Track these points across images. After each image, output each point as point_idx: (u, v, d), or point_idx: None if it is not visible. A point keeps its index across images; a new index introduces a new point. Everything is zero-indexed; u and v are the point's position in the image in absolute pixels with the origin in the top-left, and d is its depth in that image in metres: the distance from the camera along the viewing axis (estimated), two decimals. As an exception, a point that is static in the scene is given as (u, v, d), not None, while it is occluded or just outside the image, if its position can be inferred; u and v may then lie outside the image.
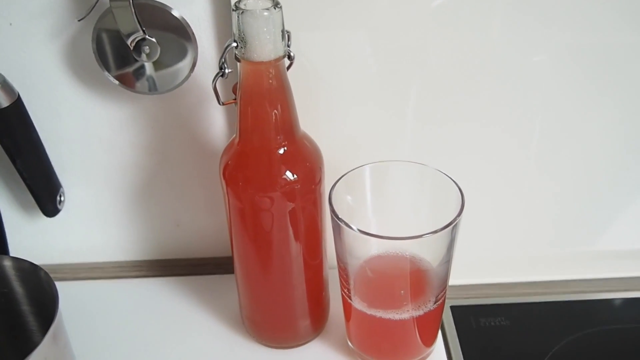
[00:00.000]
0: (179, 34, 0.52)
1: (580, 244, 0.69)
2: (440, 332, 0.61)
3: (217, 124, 0.60)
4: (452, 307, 0.65)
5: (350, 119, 0.59)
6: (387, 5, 0.53)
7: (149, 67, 0.53)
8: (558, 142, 0.61)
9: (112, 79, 0.53)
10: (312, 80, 0.56)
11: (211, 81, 0.47)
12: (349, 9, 0.53)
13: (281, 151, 0.48)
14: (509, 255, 0.69)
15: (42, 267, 0.50)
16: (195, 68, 0.54)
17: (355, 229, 0.47)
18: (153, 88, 0.54)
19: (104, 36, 0.52)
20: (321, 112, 0.58)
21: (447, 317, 0.64)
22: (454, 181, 0.50)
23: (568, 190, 0.64)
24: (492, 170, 0.62)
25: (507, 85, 0.57)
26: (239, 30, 0.43)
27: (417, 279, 0.53)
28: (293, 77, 0.48)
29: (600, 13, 0.53)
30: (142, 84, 0.54)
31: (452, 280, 0.66)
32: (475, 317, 0.64)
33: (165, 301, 0.64)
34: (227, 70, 0.46)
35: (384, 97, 0.58)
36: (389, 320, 0.51)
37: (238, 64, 0.45)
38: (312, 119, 0.57)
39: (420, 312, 0.51)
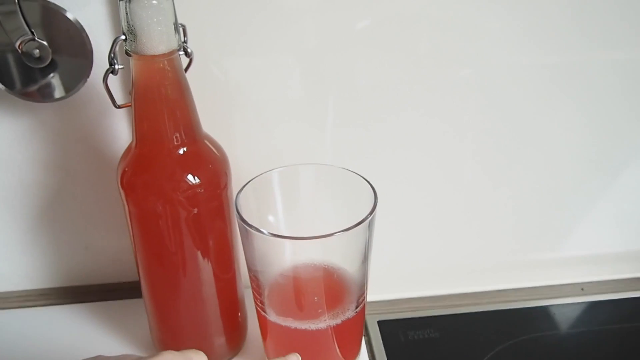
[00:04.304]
0: (73, 38, 0.49)
1: (508, 254, 0.68)
2: (366, 348, 0.59)
3: (122, 135, 0.57)
4: (379, 322, 0.63)
5: (270, 134, 0.57)
6: (312, 30, 0.52)
7: (40, 73, 0.50)
8: (491, 155, 0.61)
9: (-3, 84, 0.50)
10: (225, 91, 0.55)
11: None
12: (272, 32, 0.52)
13: (180, 152, 0.45)
14: (437, 268, 0.67)
15: None
16: (95, 75, 0.51)
17: (265, 232, 0.44)
18: (47, 95, 0.51)
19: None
20: (236, 125, 0.57)
21: (374, 332, 0.62)
22: (365, 179, 0.48)
23: (494, 203, 0.64)
24: (413, 190, 0.62)
25: (439, 97, 0.56)
26: (128, 21, 0.41)
27: (332, 286, 0.50)
28: (204, 89, 0.48)
29: (510, 33, 0.54)
30: (33, 91, 0.51)
31: (379, 296, 0.65)
32: (404, 331, 0.62)
33: (74, 329, 0.60)
34: (117, 67, 0.44)
35: (305, 114, 0.56)
36: (306, 331, 0.48)
37: (130, 60, 0.43)
38: (225, 131, 0.55)
39: (338, 321, 0.48)
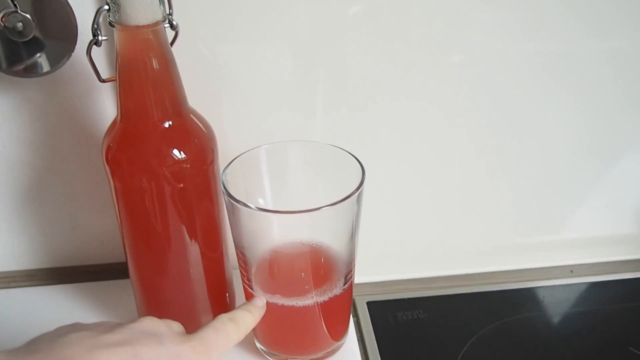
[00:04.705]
0: (57, 11, 0.49)
1: (499, 238, 0.68)
2: (355, 328, 0.59)
3: (109, 113, 0.56)
4: (368, 303, 0.63)
5: (260, 117, 0.57)
6: (304, 15, 0.52)
7: (24, 47, 0.49)
8: (482, 141, 0.61)
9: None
10: (216, 72, 0.54)
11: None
12: (264, 17, 0.52)
13: (166, 126, 0.45)
14: (426, 251, 0.67)
15: None
16: (80, 50, 0.50)
17: (252, 206, 0.44)
18: (31, 70, 0.50)
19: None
20: (226, 106, 0.56)
21: (363, 313, 0.62)
22: (353, 155, 0.47)
23: (484, 187, 0.64)
24: (404, 175, 0.62)
25: (434, 84, 0.56)
26: (111, -9, 0.40)
27: (319, 262, 0.50)
28: (195, 70, 0.49)
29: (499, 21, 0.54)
30: (17, 65, 0.50)
31: (368, 277, 0.65)
32: (393, 312, 0.62)
33: (61, 310, 0.59)
34: (100, 38, 0.43)
35: (296, 100, 0.56)
36: (293, 307, 0.48)
37: (114, 31, 0.42)
38: (215, 112, 0.54)
39: (326, 298, 0.48)
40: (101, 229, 0.63)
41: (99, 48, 0.48)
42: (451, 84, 0.56)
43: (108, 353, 0.34)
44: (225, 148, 0.50)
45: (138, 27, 0.41)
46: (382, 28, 0.53)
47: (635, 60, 0.57)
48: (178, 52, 0.45)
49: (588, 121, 0.60)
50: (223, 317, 0.41)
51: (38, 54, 0.50)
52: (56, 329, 0.37)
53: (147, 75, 0.43)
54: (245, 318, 0.43)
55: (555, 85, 0.58)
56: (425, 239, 0.66)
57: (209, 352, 0.38)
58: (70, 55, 0.50)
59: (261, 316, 0.45)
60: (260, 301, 0.46)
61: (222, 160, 0.49)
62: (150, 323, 0.38)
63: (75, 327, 0.37)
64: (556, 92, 0.58)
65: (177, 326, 0.40)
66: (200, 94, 0.50)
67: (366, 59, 0.54)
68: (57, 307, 0.60)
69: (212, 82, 0.55)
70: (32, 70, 0.50)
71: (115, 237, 0.63)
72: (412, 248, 0.67)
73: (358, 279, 0.63)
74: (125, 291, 0.57)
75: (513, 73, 0.56)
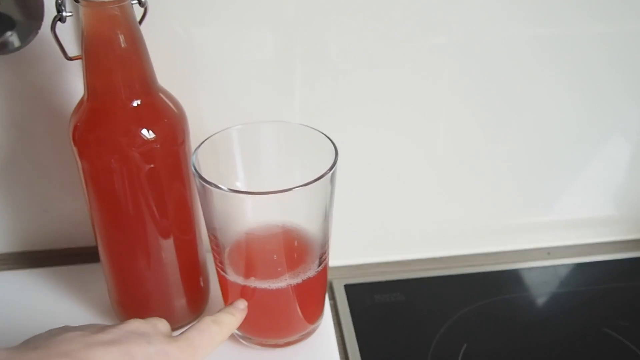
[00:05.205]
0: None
1: (476, 220, 0.68)
2: (332, 311, 0.58)
3: (79, 93, 0.54)
4: (345, 286, 0.63)
5: (237, 98, 0.56)
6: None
7: (-11, 24, 0.48)
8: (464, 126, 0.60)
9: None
10: (192, 52, 0.53)
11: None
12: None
13: (134, 105, 0.43)
14: (405, 233, 0.67)
15: None
16: (48, 27, 0.49)
17: (223, 187, 0.43)
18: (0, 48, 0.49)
19: None
20: (202, 86, 0.55)
21: (341, 296, 0.61)
22: (325, 135, 0.47)
23: (463, 171, 0.63)
24: (384, 156, 0.61)
25: (414, 68, 0.55)
26: (75, -35, 0.39)
27: (292, 244, 0.49)
28: (171, 50, 0.49)
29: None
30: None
31: (346, 260, 0.64)
32: (370, 294, 0.62)
33: (32, 294, 0.59)
34: (65, 14, 0.42)
35: (274, 79, 0.55)
36: (266, 290, 0.47)
37: (79, 7, 0.41)
38: (192, 93, 0.54)
39: (299, 280, 0.47)
40: (74, 211, 0.62)
41: (69, 25, 0.47)
42: (435, 66, 0.55)
43: (103, 350, 0.36)
44: (201, 129, 0.49)
45: (103, 2, 0.40)
46: (364, 5, 0.52)
47: (624, 47, 0.57)
48: (152, 31, 0.45)
49: (572, 105, 0.60)
50: (207, 320, 0.43)
51: (8, 32, 0.49)
52: (47, 331, 0.38)
53: (114, 53, 0.42)
54: (227, 320, 0.45)
55: (543, 68, 0.57)
56: (403, 222, 0.66)
57: (194, 352, 0.40)
58: (37, 32, 0.48)
59: (243, 318, 0.47)
60: (242, 303, 0.47)
61: (197, 141, 0.48)
62: (138, 325, 0.40)
63: (67, 329, 0.38)
64: (543, 75, 0.57)
65: (163, 326, 0.41)
66: (175, 73, 0.49)
67: (347, 38, 0.53)
68: (28, 291, 0.59)
69: (187, 62, 0.53)
70: (1, 49, 0.49)
71: (89, 219, 0.62)
72: (390, 231, 0.66)
73: (336, 261, 0.63)
74: (99, 275, 0.56)
75: (500, 53, 0.55)
